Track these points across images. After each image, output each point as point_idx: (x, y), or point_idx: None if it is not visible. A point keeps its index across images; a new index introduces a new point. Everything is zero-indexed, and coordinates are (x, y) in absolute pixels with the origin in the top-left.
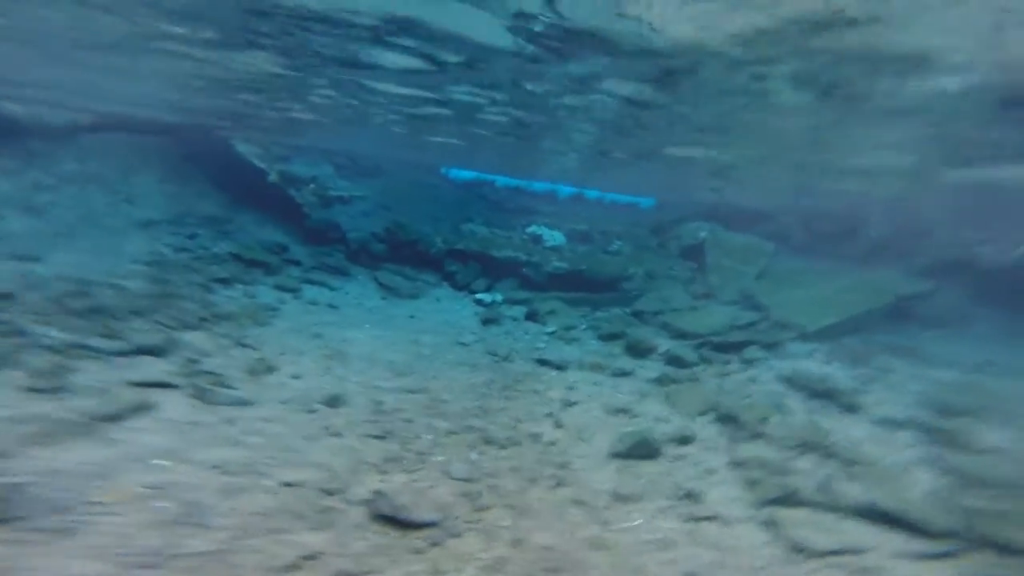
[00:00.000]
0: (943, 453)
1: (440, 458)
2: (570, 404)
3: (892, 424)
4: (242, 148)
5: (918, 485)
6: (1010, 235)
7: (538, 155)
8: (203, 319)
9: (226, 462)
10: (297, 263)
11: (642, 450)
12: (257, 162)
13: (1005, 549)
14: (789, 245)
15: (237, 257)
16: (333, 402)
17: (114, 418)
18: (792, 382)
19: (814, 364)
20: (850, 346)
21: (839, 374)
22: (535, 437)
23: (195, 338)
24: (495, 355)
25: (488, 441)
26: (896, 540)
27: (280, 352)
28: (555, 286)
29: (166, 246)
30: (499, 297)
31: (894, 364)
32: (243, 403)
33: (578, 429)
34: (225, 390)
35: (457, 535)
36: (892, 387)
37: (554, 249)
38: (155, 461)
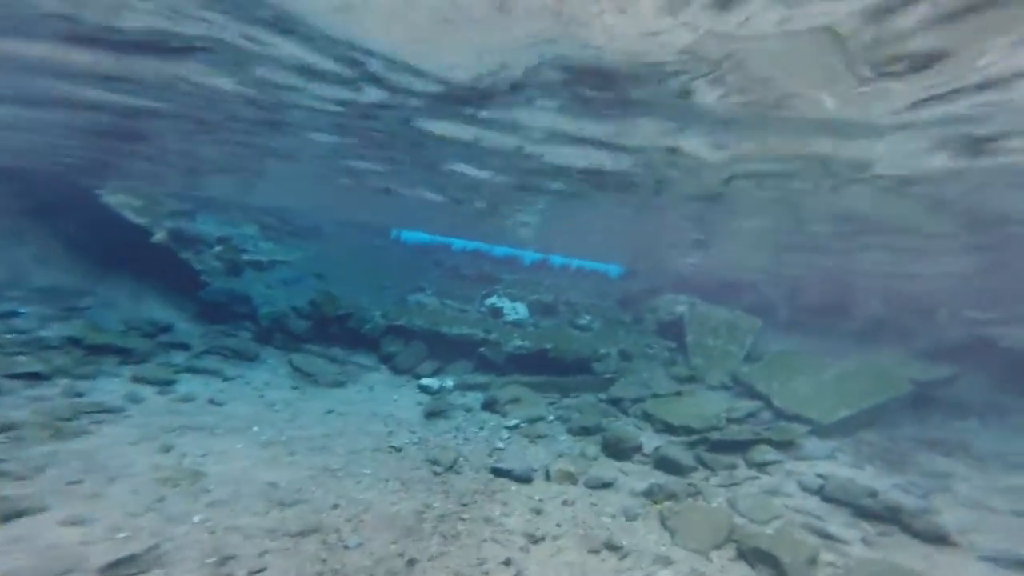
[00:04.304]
0: None
1: None
2: (536, 540)
3: (1015, 567)
4: (111, 200)
5: None
6: None
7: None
8: None
9: None
10: (184, 347)
11: None
12: (134, 217)
13: None
14: (773, 320)
15: (76, 343)
16: (125, 566)
17: None
18: (825, 494)
19: (843, 468)
20: (875, 443)
21: (883, 483)
22: None
23: None
24: (436, 464)
25: None
26: None
27: (71, 480)
28: (517, 368)
29: None
30: (450, 383)
31: (943, 465)
32: None
33: None
34: None
35: None
36: (967, 503)
37: (516, 324)
38: None
